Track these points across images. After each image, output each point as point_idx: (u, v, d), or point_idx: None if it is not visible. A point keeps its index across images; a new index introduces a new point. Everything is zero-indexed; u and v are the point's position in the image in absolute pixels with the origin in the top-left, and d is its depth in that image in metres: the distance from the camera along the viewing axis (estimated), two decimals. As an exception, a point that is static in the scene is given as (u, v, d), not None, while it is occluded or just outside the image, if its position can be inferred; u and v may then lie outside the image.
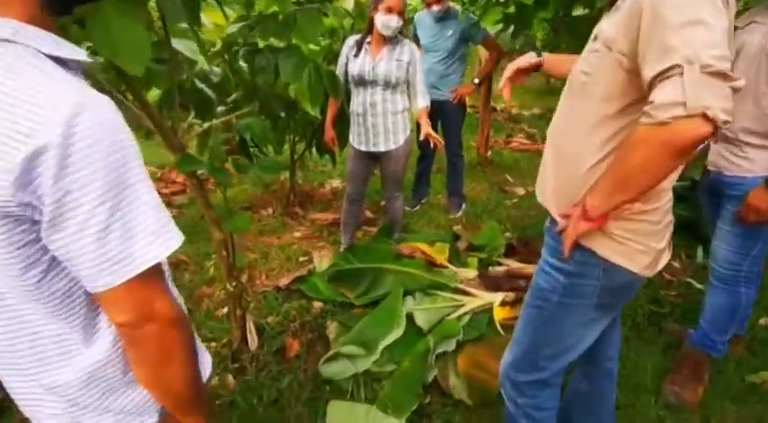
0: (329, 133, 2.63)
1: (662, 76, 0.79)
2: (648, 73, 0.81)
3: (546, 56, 1.36)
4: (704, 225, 2.17)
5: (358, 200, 2.67)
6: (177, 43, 1.59)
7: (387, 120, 2.41)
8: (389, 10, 2.22)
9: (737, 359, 1.94)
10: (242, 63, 1.70)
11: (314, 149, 3.45)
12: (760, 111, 1.52)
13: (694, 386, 1.75)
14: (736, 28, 1.64)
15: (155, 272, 0.62)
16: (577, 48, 2.29)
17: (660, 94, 0.78)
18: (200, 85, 1.86)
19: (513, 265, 2.46)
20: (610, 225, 1.01)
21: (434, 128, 3.27)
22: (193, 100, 1.84)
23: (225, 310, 2.25)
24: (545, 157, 1.16)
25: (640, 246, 1.02)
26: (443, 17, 3.01)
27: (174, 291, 0.79)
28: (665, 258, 1.09)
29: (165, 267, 0.73)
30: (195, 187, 1.64)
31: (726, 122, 0.74)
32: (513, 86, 1.42)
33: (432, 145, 2.37)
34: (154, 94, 1.87)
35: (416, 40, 3.21)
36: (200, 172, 1.63)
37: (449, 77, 3.11)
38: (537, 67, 1.37)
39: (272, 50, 1.69)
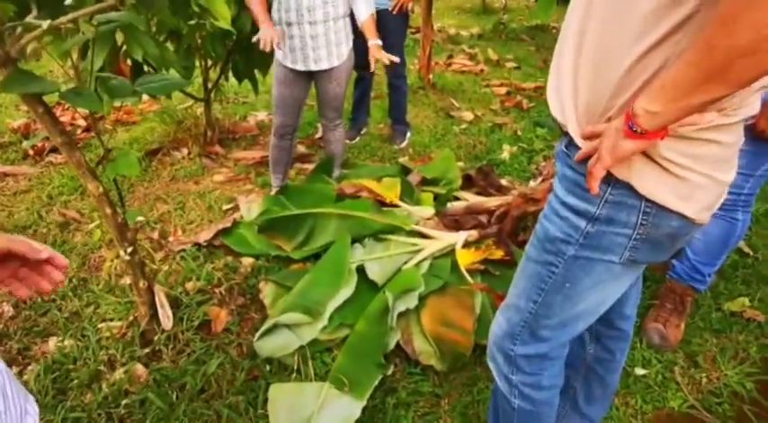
0: (268, 27, 1.84)
1: None
2: None
3: None
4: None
5: (290, 133, 2.20)
6: None
7: (328, 28, 1.91)
8: None
9: (711, 287, 1.81)
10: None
11: (231, 75, 2.88)
12: None
13: (678, 323, 1.60)
14: None
15: None
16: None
17: None
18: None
19: (473, 199, 2.17)
20: (659, 146, 0.68)
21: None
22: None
23: (128, 279, 1.80)
24: (561, 57, 0.79)
25: (700, 177, 0.71)
26: None
27: None
28: (726, 193, 0.79)
29: None
30: (42, 118, 1.12)
31: None
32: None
33: (373, 66, 1.93)
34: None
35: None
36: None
37: (387, -20, 2.60)
38: None
39: None
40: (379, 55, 1.92)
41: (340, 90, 2.09)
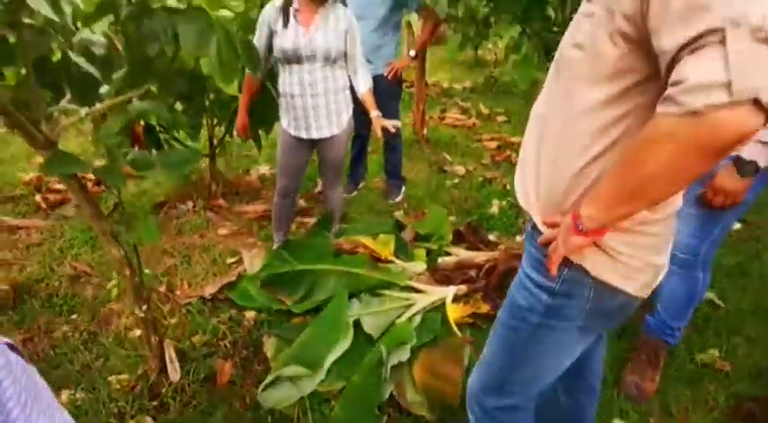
0: (242, 119, 2.33)
1: (692, 45, 0.58)
2: (668, 42, 0.61)
3: None
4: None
5: (292, 193, 2.37)
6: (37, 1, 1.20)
7: (329, 99, 2.12)
8: None
9: (685, 338, 1.93)
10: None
11: (235, 133, 3.09)
12: None
13: (652, 376, 1.71)
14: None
15: None
16: (517, 13, 2.12)
17: (693, 72, 0.57)
18: (77, 59, 1.46)
19: (463, 254, 2.31)
20: (607, 237, 0.83)
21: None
22: (69, 79, 1.44)
23: (138, 332, 1.90)
24: (525, 151, 0.95)
25: (638, 261, 0.86)
26: (374, -18, 2.72)
27: None
28: (664, 271, 0.94)
29: None
30: (76, 193, 1.28)
31: None
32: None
33: (379, 133, 2.15)
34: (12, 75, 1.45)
35: (344, 5, 2.90)
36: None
37: (382, 49, 2.84)
38: None
39: (168, 11, 1.32)
40: (381, 124, 2.12)
41: (340, 155, 2.27)
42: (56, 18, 1.27)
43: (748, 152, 1.32)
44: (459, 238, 2.45)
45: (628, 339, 1.92)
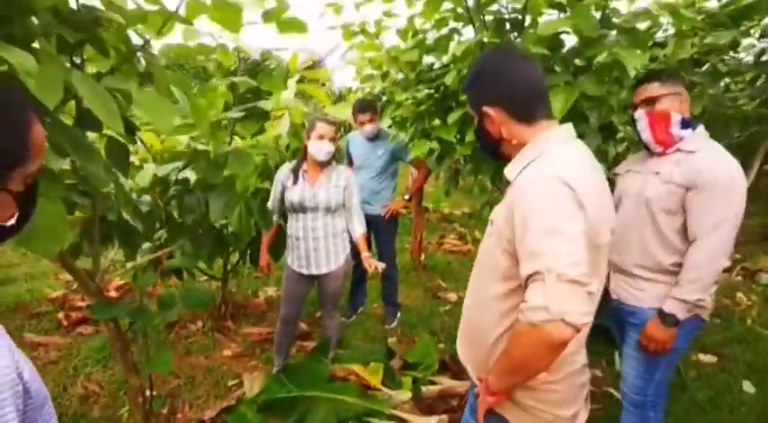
0: (264, 258, 2.65)
1: (530, 278, 0.91)
2: (522, 270, 0.94)
3: None
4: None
5: (293, 321, 2.64)
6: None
7: (328, 242, 2.48)
8: (321, 137, 2.38)
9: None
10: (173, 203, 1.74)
11: (248, 259, 3.43)
12: (647, 249, 1.69)
13: None
14: (616, 174, 1.90)
15: None
16: (495, 169, 2.55)
17: (529, 297, 0.90)
18: (127, 217, 1.85)
19: (447, 382, 2.47)
20: (520, 394, 1.08)
21: (368, 240, 3.39)
22: (118, 232, 1.82)
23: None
24: (462, 320, 1.24)
25: (549, 415, 1.09)
26: (375, 137, 3.25)
27: None
28: (582, 418, 1.16)
29: None
30: (113, 333, 1.56)
31: (585, 324, 0.87)
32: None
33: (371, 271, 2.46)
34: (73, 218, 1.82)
35: (349, 158, 3.42)
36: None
37: (381, 193, 3.29)
38: None
39: (203, 188, 1.74)
40: (368, 263, 2.43)
41: (337, 288, 2.57)
42: (116, 189, 1.67)
43: (668, 307, 1.58)
44: (444, 367, 2.62)
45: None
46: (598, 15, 1.94)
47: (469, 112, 1.18)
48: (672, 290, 1.59)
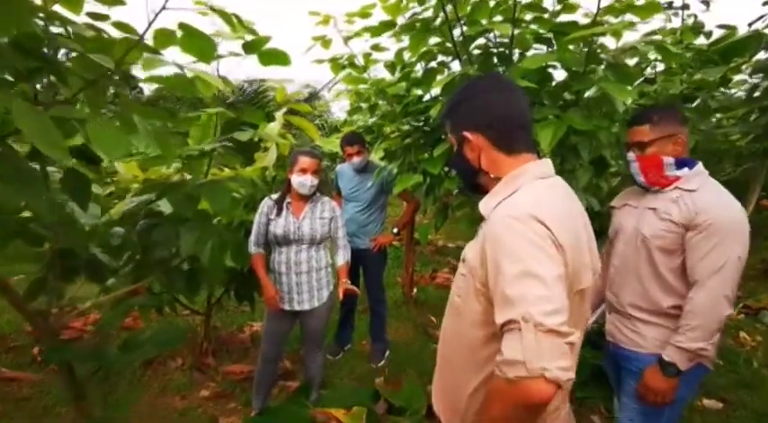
0: (270, 291, 2.36)
1: (505, 326, 0.82)
2: (497, 318, 0.84)
3: None
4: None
5: (274, 360, 2.51)
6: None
7: (311, 277, 2.39)
8: (303, 171, 2.31)
9: None
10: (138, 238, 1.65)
11: (232, 294, 3.32)
12: (643, 288, 1.59)
13: None
14: (612, 207, 1.82)
15: None
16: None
17: (505, 349, 0.81)
18: (95, 250, 1.76)
19: (435, 429, 2.32)
20: None
21: (356, 274, 3.30)
22: (84, 264, 1.72)
23: None
24: (437, 365, 1.14)
25: None
26: (363, 169, 3.20)
27: None
28: None
29: None
30: (65, 379, 1.44)
31: (569, 380, 0.77)
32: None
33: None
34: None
35: (338, 190, 3.36)
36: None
37: (369, 226, 3.21)
38: None
39: (173, 222, 1.65)
40: (344, 287, 2.39)
41: (320, 325, 2.46)
42: (87, 222, 1.59)
43: (668, 355, 1.48)
44: (432, 413, 2.47)
45: None
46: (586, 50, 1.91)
47: (449, 138, 1.13)
48: (672, 336, 1.48)
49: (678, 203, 1.50)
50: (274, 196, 2.44)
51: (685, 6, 2.78)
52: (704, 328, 1.41)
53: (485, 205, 1.00)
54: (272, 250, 2.41)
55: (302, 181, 2.31)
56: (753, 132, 2.96)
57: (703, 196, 1.47)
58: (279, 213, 2.36)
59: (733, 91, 3.27)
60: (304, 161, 2.30)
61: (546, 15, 1.95)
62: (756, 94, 2.74)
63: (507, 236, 0.87)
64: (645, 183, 1.61)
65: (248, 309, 4.14)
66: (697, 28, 2.71)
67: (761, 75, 2.71)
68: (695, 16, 2.83)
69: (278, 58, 1.78)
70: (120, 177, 2.50)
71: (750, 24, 2.96)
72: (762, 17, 2.86)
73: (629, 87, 1.76)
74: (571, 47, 1.89)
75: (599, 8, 1.79)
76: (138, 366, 3.13)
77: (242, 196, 3.02)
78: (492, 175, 1.03)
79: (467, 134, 1.05)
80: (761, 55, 2.69)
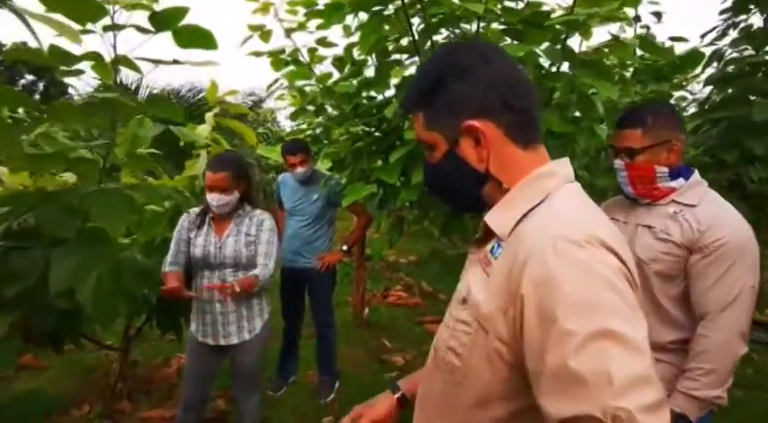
0: (171, 282, 1.81)
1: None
2: (550, 409, 0.53)
3: (402, 386, 1.01)
4: None
5: (197, 406, 2.08)
6: None
7: (240, 306, 1.98)
8: (210, 189, 1.91)
9: None
10: None
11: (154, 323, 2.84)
12: None
13: None
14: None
15: None
16: (446, 217, 2.21)
17: None
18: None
19: (392, 482, 1.98)
20: None
21: (301, 296, 2.94)
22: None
23: None
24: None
25: None
26: (308, 180, 2.85)
27: None
28: None
29: None
30: None
31: None
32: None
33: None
34: None
35: (280, 203, 2.99)
36: None
37: (315, 243, 2.86)
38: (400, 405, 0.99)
39: (45, 245, 1.23)
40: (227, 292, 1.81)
41: (253, 361, 2.06)
42: None
43: (676, 404, 1.23)
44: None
45: None
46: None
47: (423, 138, 0.75)
48: (680, 381, 1.24)
49: (678, 221, 1.27)
50: (195, 210, 2.04)
51: (637, 18, 2.72)
52: (719, 372, 1.18)
53: (499, 219, 0.69)
54: (194, 275, 2.00)
55: (210, 200, 1.91)
56: (704, 145, 2.92)
57: (707, 212, 1.25)
58: (200, 227, 1.96)
59: (683, 104, 3.26)
60: (208, 177, 1.89)
61: (517, 5, 1.73)
62: (706, 106, 2.72)
63: (566, 272, 0.55)
64: (633, 194, 1.39)
65: (175, 337, 3.68)
66: (649, 40, 2.67)
67: (711, 87, 2.69)
68: (648, 28, 2.78)
69: (199, 38, 1.43)
70: (4, 187, 2.03)
71: (702, 36, 2.95)
72: (714, 29, 2.84)
73: (610, 84, 1.56)
74: (545, 45, 1.68)
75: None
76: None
77: (165, 209, 2.59)
78: (503, 183, 0.70)
79: (472, 124, 0.69)
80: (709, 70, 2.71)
